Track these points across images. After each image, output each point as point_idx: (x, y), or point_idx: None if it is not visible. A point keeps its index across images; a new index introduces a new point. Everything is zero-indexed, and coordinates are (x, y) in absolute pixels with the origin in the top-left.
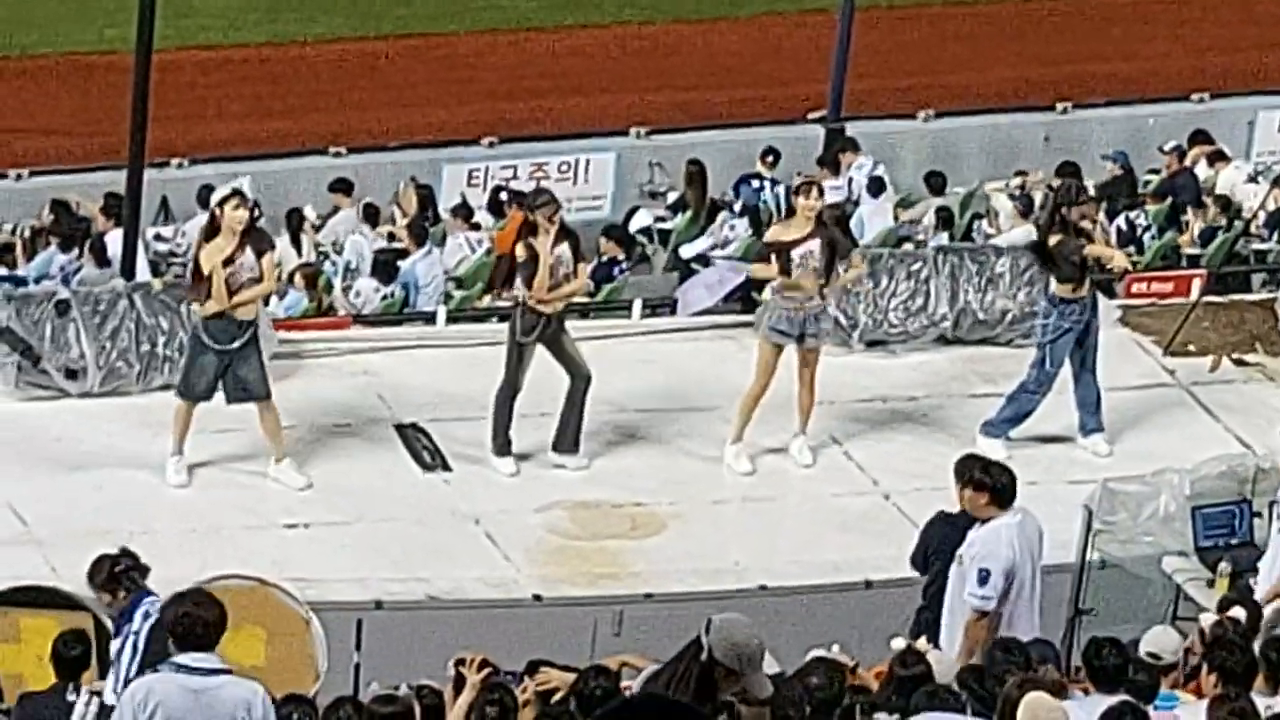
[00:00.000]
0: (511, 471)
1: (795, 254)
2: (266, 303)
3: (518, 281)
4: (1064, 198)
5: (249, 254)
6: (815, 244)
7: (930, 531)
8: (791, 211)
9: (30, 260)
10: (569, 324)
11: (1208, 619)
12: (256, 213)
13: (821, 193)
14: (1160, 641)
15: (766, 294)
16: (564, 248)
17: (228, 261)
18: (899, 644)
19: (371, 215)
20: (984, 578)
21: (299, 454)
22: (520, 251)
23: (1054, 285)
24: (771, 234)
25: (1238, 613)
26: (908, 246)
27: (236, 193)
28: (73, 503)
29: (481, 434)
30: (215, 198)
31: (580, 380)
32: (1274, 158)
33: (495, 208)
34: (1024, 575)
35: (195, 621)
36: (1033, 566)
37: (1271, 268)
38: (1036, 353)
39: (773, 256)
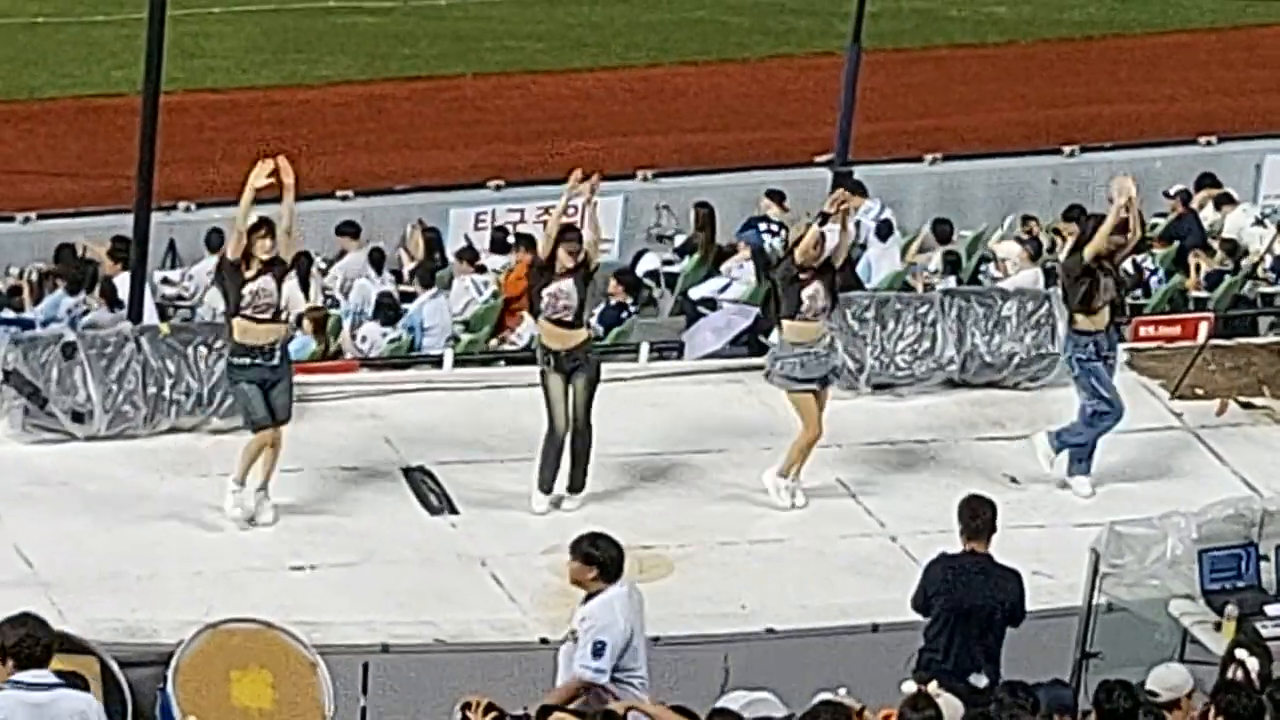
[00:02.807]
0: (540, 510)
1: (804, 295)
2: None
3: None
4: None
5: (270, 281)
6: (819, 286)
7: (931, 573)
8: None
9: (38, 303)
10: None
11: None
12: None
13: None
14: (1162, 678)
15: (773, 338)
16: (569, 282)
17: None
18: (910, 687)
19: (378, 260)
20: (599, 650)
21: (306, 496)
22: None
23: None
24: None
25: (1247, 656)
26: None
27: (264, 221)
28: (79, 546)
29: (488, 477)
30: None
31: (572, 428)
32: None
33: (497, 247)
34: (637, 642)
35: (35, 643)
36: (641, 631)
37: (1278, 311)
38: (1078, 392)
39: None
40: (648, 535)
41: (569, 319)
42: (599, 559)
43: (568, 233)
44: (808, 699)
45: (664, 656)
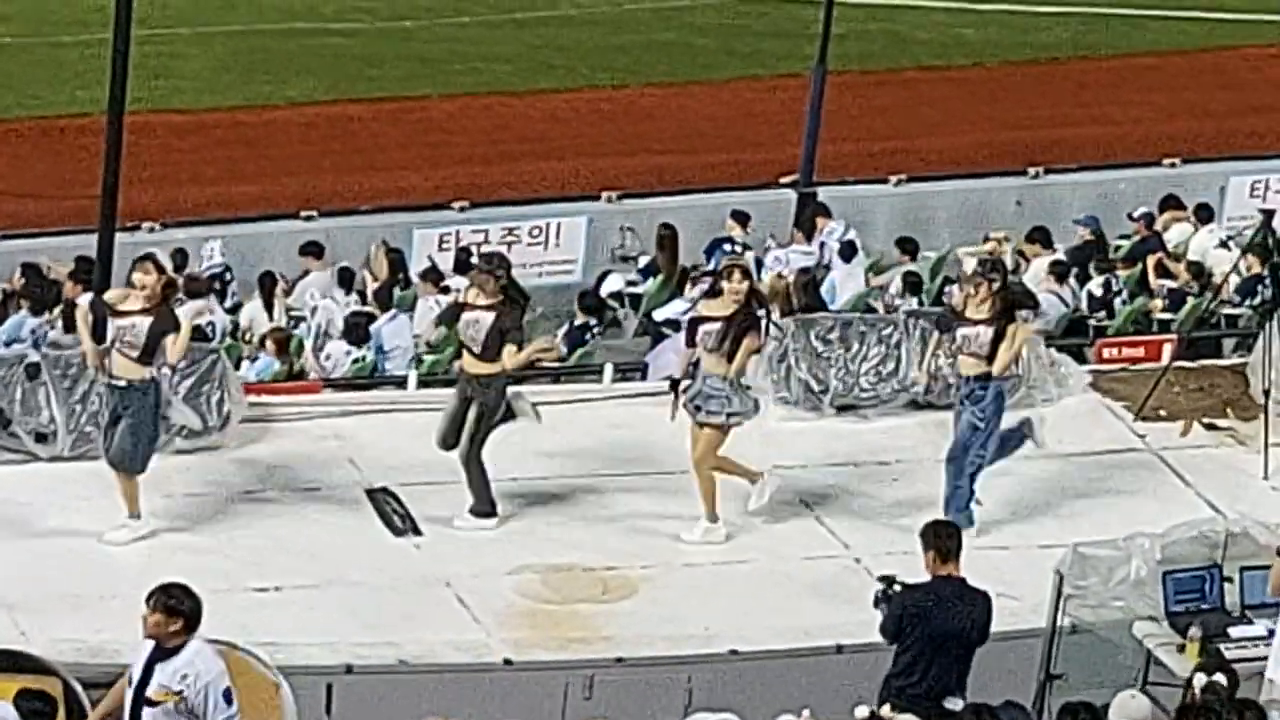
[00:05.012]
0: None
1: (700, 329)
2: (237, 366)
3: None
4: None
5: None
6: (718, 326)
7: (905, 600)
8: (718, 291)
9: (1, 323)
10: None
11: (1200, 680)
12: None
13: (745, 275)
14: (1128, 709)
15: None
16: (481, 314)
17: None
18: (862, 712)
19: (346, 279)
20: (229, 697)
21: (269, 517)
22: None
23: None
24: (698, 309)
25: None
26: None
27: (147, 257)
28: (42, 566)
29: (452, 498)
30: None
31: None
32: (1245, 223)
33: (462, 268)
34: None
35: None
36: None
37: (1242, 333)
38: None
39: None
40: (611, 556)
41: (475, 350)
42: (183, 610)
43: (487, 264)
44: None
45: (628, 677)
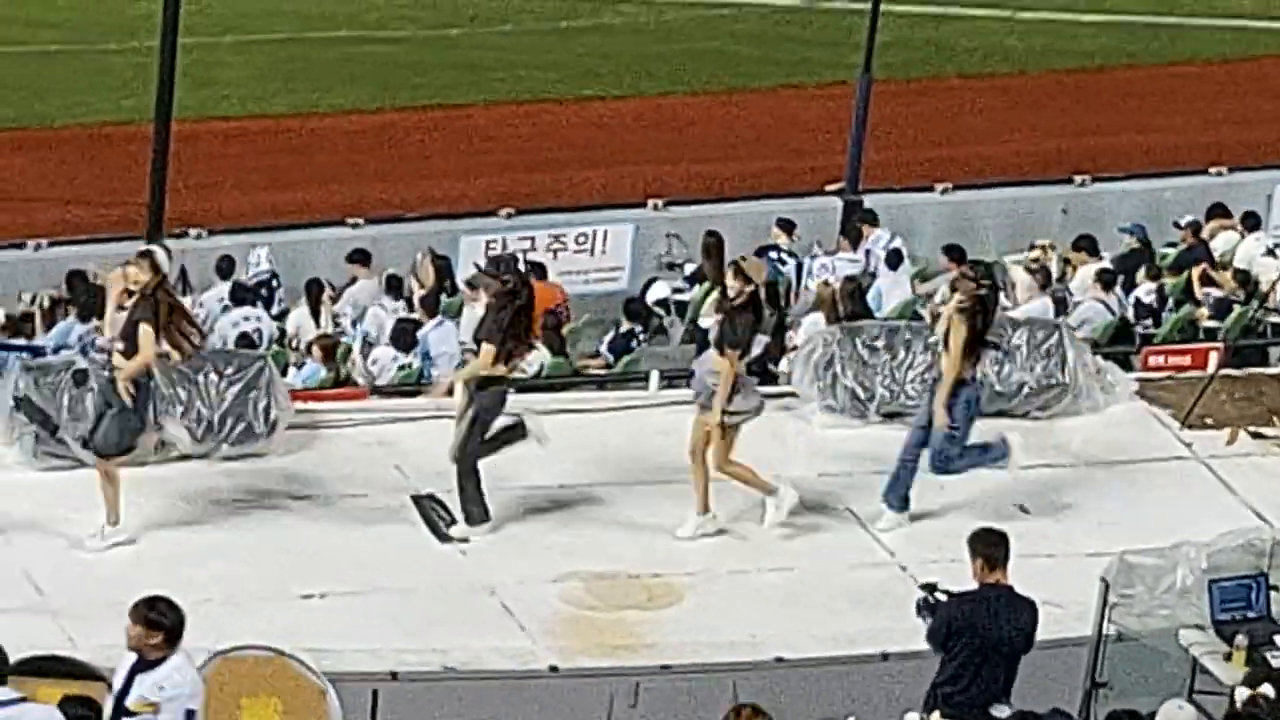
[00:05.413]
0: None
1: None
2: (284, 373)
3: None
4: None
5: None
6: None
7: (952, 609)
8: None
9: (49, 330)
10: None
11: (1242, 694)
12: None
13: (738, 274)
14: (1170, 717)
15: (783, 365)
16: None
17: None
18: (912, 718)
19: (395, 286)
20: (191, 716)
21: (315, 523)
22: None
23: None
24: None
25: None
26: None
27: (145, 254)
28: (89, 573)
29: (498, 504)
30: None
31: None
32: None
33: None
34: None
35: None
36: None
37: None
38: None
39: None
40: (657, 563)
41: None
42: (165, 624)
43: (493, 268)
44: None
45: (673, 685)
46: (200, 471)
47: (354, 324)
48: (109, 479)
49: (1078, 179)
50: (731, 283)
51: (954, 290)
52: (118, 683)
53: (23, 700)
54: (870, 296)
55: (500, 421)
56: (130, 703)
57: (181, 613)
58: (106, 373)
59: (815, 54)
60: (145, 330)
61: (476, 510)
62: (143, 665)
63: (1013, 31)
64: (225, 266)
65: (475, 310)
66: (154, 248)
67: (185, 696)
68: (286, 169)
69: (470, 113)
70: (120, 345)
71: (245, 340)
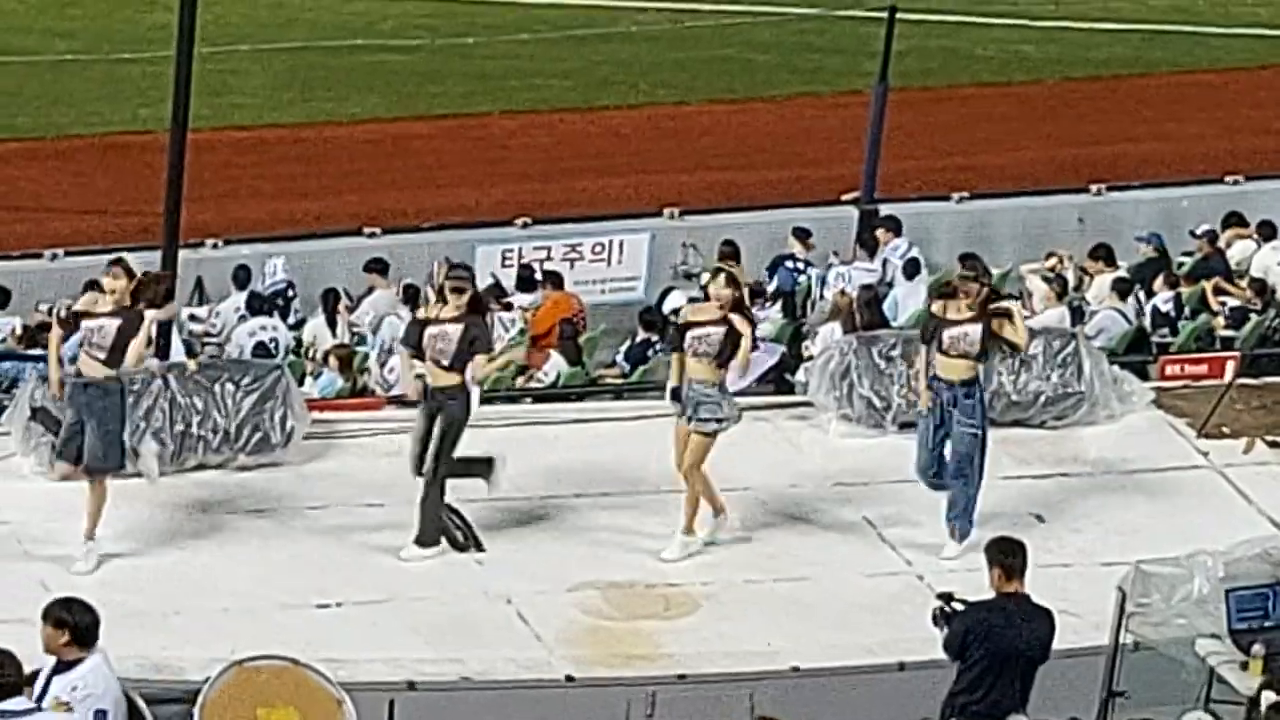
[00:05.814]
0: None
1: (689, 335)
2: (301, 382)
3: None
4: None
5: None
6: (715, 331)
7: (967, 619)
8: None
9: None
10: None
11: (1269, 698)
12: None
13: (730, 281)
14: None
15: (800, 374)
16: (448, 327)
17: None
18: None
19: (412, 295)
20: (103, 717)
21: (331, 533)
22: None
23: None
24: (684, 313)
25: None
26: None
27: (116, 262)
28: (105, 582)
29: (515, 514)
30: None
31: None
32: None
33: (523, 284)
34: (123, 707)
35: (5, 676)
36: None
37: None
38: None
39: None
40: (673, 573)
41: (444, 362)
42: (73, 624)
43: (455, 276)
44: None
45: (690, 694)
46: (217, 481)
47: (371, 333)
48: (96, 493)
49: (1094, 188)
50: (724, 291)
51: (963, 296)
52: (38, 685)
53: (37, 710)
54: (887, 306)
55: (474, 449)
56: (45, 703)
57: (95, 615)
58: (78, 380)
59: (831, 62)
60: (135, 346)
61: (432, 531)
62: (61, 666)
63: (1029, 40)
64: (242, 276)
65: (491, 319)
66: (123, 255)
67: (97, 696)
68: (302, 178)
69: (486, 122)
70: (101, 354)
71: (262, 350)
